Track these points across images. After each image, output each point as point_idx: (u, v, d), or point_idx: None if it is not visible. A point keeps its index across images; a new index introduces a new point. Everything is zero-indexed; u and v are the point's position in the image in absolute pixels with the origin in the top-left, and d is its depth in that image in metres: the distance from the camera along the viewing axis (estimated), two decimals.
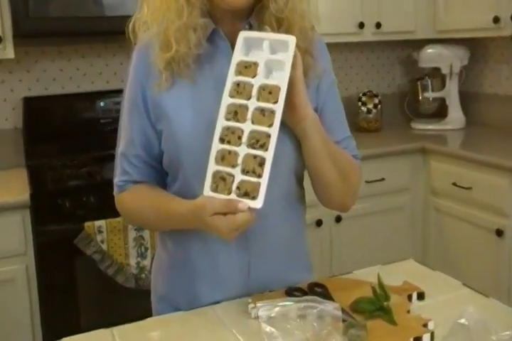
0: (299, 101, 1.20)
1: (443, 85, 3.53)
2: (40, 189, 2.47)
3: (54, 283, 2.45)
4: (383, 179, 3.09)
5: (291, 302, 1.03)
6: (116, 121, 1.40)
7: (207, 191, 1.15)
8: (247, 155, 1.13)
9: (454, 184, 2.95)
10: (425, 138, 3.28)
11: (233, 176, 1.13)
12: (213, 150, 1.16)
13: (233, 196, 1.12)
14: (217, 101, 1.18)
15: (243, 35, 1.19)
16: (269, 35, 1.18)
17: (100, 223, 2.43)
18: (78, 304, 2.48)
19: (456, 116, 3.52)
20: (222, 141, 1.15)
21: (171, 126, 1.27)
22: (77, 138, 2.92)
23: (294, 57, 1.16)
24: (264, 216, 1.27)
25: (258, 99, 1.15)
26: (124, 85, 1.36)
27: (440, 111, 3.58)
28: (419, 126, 3.57)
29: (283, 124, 1.15)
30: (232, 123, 1.16)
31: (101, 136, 2.91)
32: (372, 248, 3.13)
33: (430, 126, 3.53)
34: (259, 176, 1.12)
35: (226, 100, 1.17)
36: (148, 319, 1.29)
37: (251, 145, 1.13)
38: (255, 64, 1.17)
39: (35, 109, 2.88)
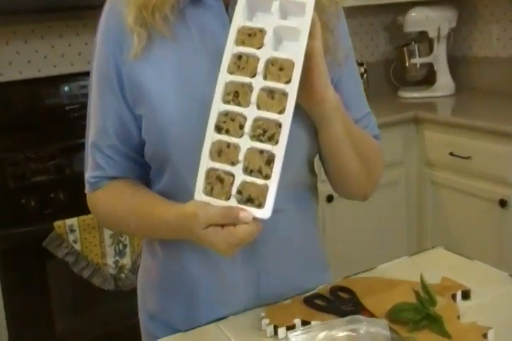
0: (317, 80, 0.96)
1: (430, 50, 3.37)
2: (0, 186, 2.25)
3: (22, 293, 2.25)
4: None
5: (328, 329, 0.80)
6: (84, 107, 1.15)
7: (199, 195, 0.91)
8: (250, 150, 0.89)
9: (451, 154, 2.80)
10: (415, 106, 3.12)
11: (233, 176, 0.90)
12: (207, 142, 0.91)
13: (233, 202, 0.89)
14: (211, 75, 0.94)
15: None
16: None
17: (72, 221, 2.22)
18: (52, 312, 2.29)
19: (445, 82, 3.36)
20: (218, 130, 0.91)
21: (153, 108, 1.03)
22: (41, 128, 2.69)
23: (312, 24, 0.91)
24: (274, 213, 1.04)
25: (265, 77, 0.90)
26: (91, 63, 1.11)
27: (428, 78, 3.42)
28: (406, 94, 3.40)
29: (295, 106, 0.91)
30: (231, 108, 0.91)
31: (67, 124, 2.71)
32: (367, 227, 2.97)
33: (418, 94, 3.37)
34: (267, 177, 0.88)
35: (224, 77, 0.92)
36: None
37: (256, 137, 0.89)
38: (261, 31, 0.92)
39: None
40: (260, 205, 0.88)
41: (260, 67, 0.90)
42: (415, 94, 3.36)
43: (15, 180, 2.30)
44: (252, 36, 0.92)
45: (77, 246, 2.23)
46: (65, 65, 2.88)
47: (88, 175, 1.12)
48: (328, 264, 1.26)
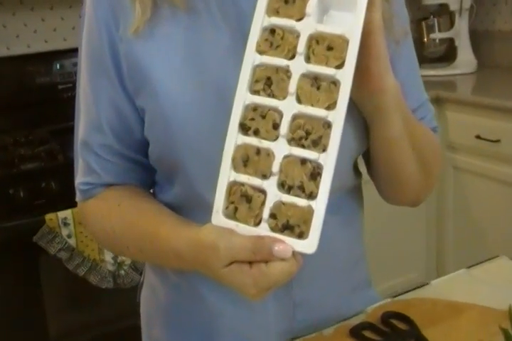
0: (375, 63, 0.74)
1: (451, 24, 3.18)
2: None
3: (12, 291, 2.06)
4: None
5: None
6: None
7: (218, 217, 0.69)
8: (289, 159, 0.67)
9: (478, 137, 2.60)
10: (434, 85, 2.92)
11: (264, 194, 0.68)
12: (229, 146, 0.69)
13: (264, 229, 0.67)
14: (233, 57, 0.74)
15: None
16: None
17: (65, 214, 2.00)
18: (45, 312, 2.10)
19: (466, 58, 3.17)
20: (244, 129, 0.69)
21: (158, 98, 0.80)
22: (31, 109, 2.54)
23: None
24: None
25: (308, 59, 0.68)
26: (78, 40, 0.88)
27: (448, 54, 3.24)
28: (425, 71, 3.19)
29: None
30: (262, 100, 0.68)
31: (60, 104, 2.53)
32: (382, 216, 2.77)
33: (438, 72, 3.16)
34: (312, 196, 0.66)
35: (251, 58, 0.69)
36: None
37: (296, 141, 0.67)
38: None
39: None
40: (302, 235, 0.66)
41: (301, 45, 0.68)
42: (434, 72, 3.16)
43: (2, 167, 2.10)
44: (289, 3, 0.69)
45: (72, 241, 2.03)
46: (57, 40, 2.71)
47: (78, 180, 0.91)
48: (370, 278, 1.05)
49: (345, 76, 0.66)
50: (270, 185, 0.67)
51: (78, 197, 0.92)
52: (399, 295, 0.99)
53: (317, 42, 0.68)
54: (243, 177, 0.68)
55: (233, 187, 0.69)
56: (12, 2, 2.59)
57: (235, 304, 0.88)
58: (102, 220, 0.88)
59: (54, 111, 2.48)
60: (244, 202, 0.68)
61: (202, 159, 0.78)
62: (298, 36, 0.68)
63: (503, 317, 0.84)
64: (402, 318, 0.88)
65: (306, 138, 0.67)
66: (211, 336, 0.91)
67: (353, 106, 0.80)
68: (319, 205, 0.66)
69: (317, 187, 0.66)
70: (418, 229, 2.85)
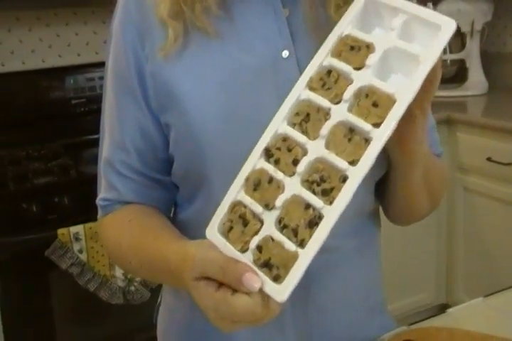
0: (412, 133, 0.76)
1: (462, 46, 3.17)
2: None
3: (22, 306, 2.05)
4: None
5: None
6: (91, 101, 0.98)
7: (212, 231, 0.69)
8: (295, 198, 0.66)
9: (489, 159, 2.60)
10: (445, 106, 2.92)
11: (261, 223, 0.67)
12: (247, 166, 0.70)
13: (247, 258, 0.65)
14: (258, 82, 0.77)
15: None
16: (411, 8, 0.69)
17: (77, 229, 2.01)
18: (54, 328, 2.10)
19: (477, 80, 3.17)
20: (268, 155, 0.69)
21: (187, 116, 0.81)
22: (44, 123, 2.53)
23: (438, 59, 0.69)
24: (330, 251, 0.84)
25: (351, 109, 0.68)
26: (104, 57, 0.90)
27: (459, 76, 3.23)
28: (436, 92, 3.17)
29: None
30: (294, 133, 0.69)
31: (73, 119, 2.57)
32: (391, 234, 2.75)
33: (448, 93, 3.15)
34: (302, 244, 0.64)
35: (299, 90, 0.70)
36: None
37: (309, 184, 0.66)
38: (369, 47, 0.69)
39: None
40: (278, 278, 0.63)
41: (349, 93, 0.68)
42: (445, 93, 3.14)
43: (15, 181, 2.12)
44: (354, 50, 0.70)
45: (83, 256, 2.04)
46: (72, 55, 2.74)
47: (100, 196, 0.92)
48: (386, 302, 1.05)
49: (380, 136, 0.65)
50: (269, 217, 0.66)
51: (99, 214, 0.93)
52: (415, 323, 0.99)
53: (366, 95, 0.68)
54: (248, 200, 0.68)
55: (236, 206, 0.68)
56: (28, 18, 2.62)
57: (253, 327, 0.88)
58: (114, 235, 0.90)
59: (67, 126, 2.51)
60: (240, 224, 0.67)
61: (228, 175, 0.79)
62: (350, 84, 0.68)
63: None
64: None
65: (319, 185, 0.66)
66: None
67: None
68: (304, 256, 0.63)
69: (310, 236, 0.63)
70: (428, 250, 2.84)
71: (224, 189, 0.80)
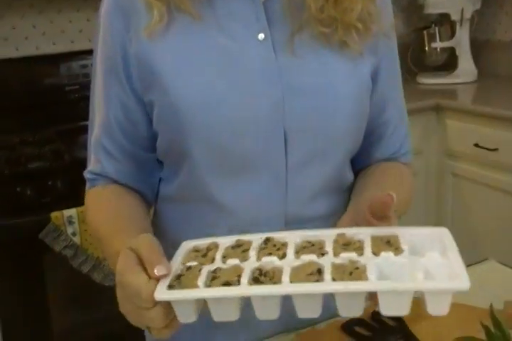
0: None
1: (452, 34, 3.19)
2: None
3: (17, 288, 2.09)
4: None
5: None
6: (84, 88, 1.02)
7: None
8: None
9: (476, 145, 2.63)
10: (435, 93, 2.96)
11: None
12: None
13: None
14: (240, 59, 0.83)
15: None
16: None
17: (70, 212, 2.04)
18: (48, 309, 2.13)
19: (467, 67, 3.19)
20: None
21: (169, 93, 0.86)
22: (38, 109, 2.55)
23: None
24: (308, 220, 0.92)
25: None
26: (93, 44, 0.95)
27: (449, 63, 3.25)
28: (425, 80, 3.24)
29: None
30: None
31: (66, 106, 2.57)
32: None
33: (438, 80, 3.19)
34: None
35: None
36: None
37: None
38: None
39: None
40: (171, 288, 0.68)
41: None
42: (435, 81, 3.19)
43: (9, 165, 2.14)
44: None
45: (76, 239, 2.06)
46: (65, 42, 2.73)
47: (87, 169, 0.98)
48: None
49: None
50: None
51: (87, 186, 0.98)
52: None
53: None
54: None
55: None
56: (21, 5, 2.61)
57: None
58: (93, 208, 0.95)
59: (61, 112, 2.52)
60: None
61: (208, 148, 0.84)
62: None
63: (487, 315, 0.88)
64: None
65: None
66: (208, 323, 0.95)
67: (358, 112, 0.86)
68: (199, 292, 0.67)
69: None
70: None
71: (204, 162, 0.85)
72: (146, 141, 0.93)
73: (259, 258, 0.70)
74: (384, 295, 0.63)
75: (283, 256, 0.69)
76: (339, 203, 0.97)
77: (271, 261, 0.69)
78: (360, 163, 1.02)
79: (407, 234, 0.71)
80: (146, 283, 0.67)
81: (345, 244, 0.71)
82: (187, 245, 0.76)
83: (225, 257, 0.71)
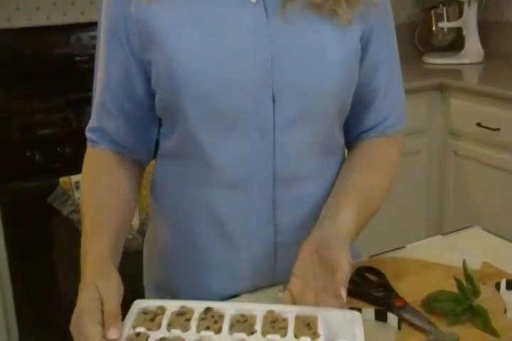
0: None
1: (459, 14, 3.18)
2: (5, 138, 2.13)
3: (26, 249, 2.15)
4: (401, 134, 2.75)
5: None
6: (93, 58, 1.06)
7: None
8: None
9: (479, 124, 2.65)
10: (440, 73, 2.96)
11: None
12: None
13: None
14: (238, 22, 0.88)
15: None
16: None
17: (78, 177, 2.09)
18: (56, 270, 2.19)
19: (473, 48, 3.18)
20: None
21: (165, 51, 0.91)
22: (49, 78, 2.57)
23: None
24: (296, 179, 0.96)
25: None
26: (99, 6, 1.00)
27: (456, 44, 3.24)
28: (432, 60, 3.24)
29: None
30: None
31: (76, 76, 2.55)
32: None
33: (445, 60, 3.19)
34: None
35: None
36: None
37: None
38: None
39: None
40: None
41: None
42: (441, 60, 3.19)
43: (20, 131, 2.19)
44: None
45: None
46: (75, 13, 2.74)
47: (88, 126, 1.04)
48: None
49: None
50: None
51: (88, 143, 1.05)
52: (375, 255, 1.08)
53: None
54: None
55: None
56: None
57: (223, 243, 0.99)
58: (86, 180, 1.03)
59: (70, 82, 2.54)
60: None
61: (199, 104, 0.89)
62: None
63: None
64: (375, 272, 0.98)
65: None
66: (201, 274, 1.03)
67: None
68: None
69: None
70: (419, 214, 2.91)
71: (196, 119, 0.91)
72: (145, 100, 0.99)
73: (198, 330, 0.80)
74: None
75: (219, 330, 0.79)
76: (328, 165, 1.02)
77: (208, 335, 0.79)
78: (352, 130, 1.07)
79: (325, 317, 0.81)
80: (98, 339, 0.75)
81: (272, 321, 0.81)
82: (138, 305, 0.85)
83: (169, 325, 0.81)
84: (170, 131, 0.99)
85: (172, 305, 0.84)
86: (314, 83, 0.92)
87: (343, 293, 0.80)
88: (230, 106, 0.91)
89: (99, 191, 0.99)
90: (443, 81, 2.82)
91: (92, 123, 1.04)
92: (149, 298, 1.14)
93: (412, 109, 2.75)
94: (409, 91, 2.68)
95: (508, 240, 1.12)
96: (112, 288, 0.83)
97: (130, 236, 2.19)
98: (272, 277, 1.00)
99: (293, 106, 0.93)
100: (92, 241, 0.93)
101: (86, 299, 0.80)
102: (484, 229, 1.17)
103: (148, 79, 0.96)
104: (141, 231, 2.18)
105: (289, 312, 0.82)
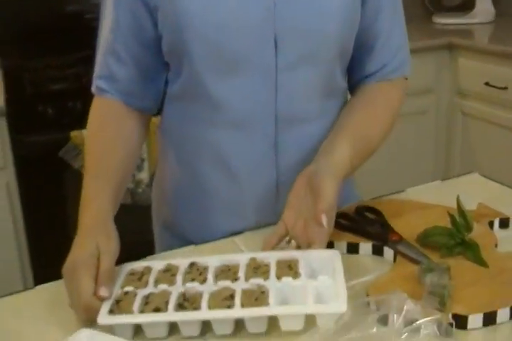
0: None
1: None
2: (17, 93, 2.15)
3: (39, 201, 2.20)
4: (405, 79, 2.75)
5: None
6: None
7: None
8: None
9: (487, 84, 2.65)
10: (450, 33, 2.95)
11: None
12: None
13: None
14: None
15: None
16: None
17: None
18: (67, 221, 2.22)
19: (484, 7, 3.14)
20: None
21: None
22: (60, 36, 2.57)
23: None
24: (298, 121, 1.00)
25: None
26: None
27: (466, 3, 3.21)
28: (442, 20, 3.21)
29: None
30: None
31: (86, 33, 2.46)
32: (392, 156, 2.85)
33: (455, 20, 3.16)
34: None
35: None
36: (151, 257, 1.00)
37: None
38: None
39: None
40: (111, 312, 0.81)
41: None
42: (451, 21, 3.15)
43: (32, 87, 2.22)
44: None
45: None
46: None
47: (95, 74, 1.07)
48: (353, 182, 1.19)
49: None
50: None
51: (94, 91, 1.08)
52: (376, 198, 1.12)
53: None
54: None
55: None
56: None
57: (227, 183, 1.04)
58: (92, 128, 1.07)
59: (81, 39, 2.43)
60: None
61: (204, 46, 0.93)
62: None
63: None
64: (374, 211, 1.01)
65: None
66: (207, 213, 1.07)
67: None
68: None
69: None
70: (426, 173, 2.92)
71: (201, 61, 0.94)
72: (154, 45, 1.01)
73: (184, 283, 0.83)
74: (282, 316, 0.78)
75: (204, 281, 0.83)
76: (329, 108, 1.05)
77: (193, 286, 0.83)
78: (354, 76, 1.10)
79: (306, 258, 0.85)
80: (90, 294, 0.81)
81: (255, 268, 0.85)
82: (125, 268, 0.90)
83: (156, 281, 0.84)
84: (176, 76, 1.02)
85: (158, 264, 0.88)
86: (316, 26, 0.94)
87: (324, 220, 0.85)
88: (234, 49, 0.94)
89: (105, 139, 1.02)
90: (452, 40, 2.80)
91: (101, 70, 1.05)
92: (158, 239, 1.19)
93: (420, 69, 2.78)
94: (417, 51, 2.72)
95: (505, 185, 1.15)
96: (111, 247, 0.87)
97: (140, 190, 2.24)
98: (275, 215, 1.03)
99: (295, 49, 0.95)
100: (94, 189, 0.96)
101: (85, 252, 0.85)
102: (483, 175, 1.20)
103: (156, 24, 0.99)
104: (151, 185, 2.22)
105: (271, 257, 0.86)
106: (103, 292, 0.81)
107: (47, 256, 2.20)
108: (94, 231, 0.89)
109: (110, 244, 0.87)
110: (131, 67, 1.03)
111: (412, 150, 2.92)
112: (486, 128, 2.75)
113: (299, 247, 0.90)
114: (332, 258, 0.84)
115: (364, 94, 1.07)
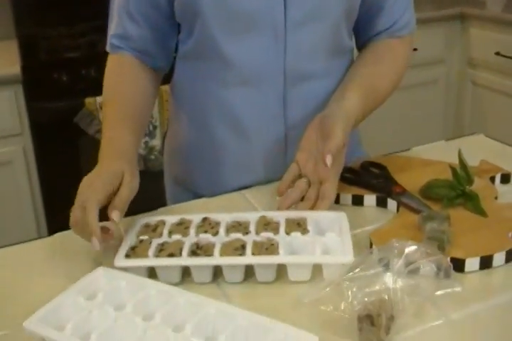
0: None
1: None
2: (32, 61, 2.20)
3: (55, 166, 2.25)
4: (415, 49, 2.73)
5: None
6: None
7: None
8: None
9: (498, 53, 2.66)
10: (461, 2, 2.94)
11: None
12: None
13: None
14: None
15: None
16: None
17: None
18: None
19: None
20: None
21: None
22: (72, 6, 2.59)
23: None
24: (306, 78, 1.03)
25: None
26: None
27: None
28: None
29: None
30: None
31: (101, 2, 2.53)
32: (402, 124, 2.88)
33: None
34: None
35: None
36: (163, 208, 1.04)
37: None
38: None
39: None
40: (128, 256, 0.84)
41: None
42: None
43: (47, 54, 2.26)
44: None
45: None
46: None
47: (110, 34, 1.09)
48: (360, 140, 1.22)
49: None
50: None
51: (108, 49, 1.10)
52: (384, 155, 1.15)
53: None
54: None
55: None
56: None
57: (237, 138, 1.08)
58: (110, 79, 1.09)
59: (94, 9, 2.44)
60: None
61: (216, 6, 0.95)
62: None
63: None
64: (379, 166, 1.05)
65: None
66: (217, 167, 1.11)
67: None
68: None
69: None
70: (435, 140, 2.94)
71: (213, 20, 0.97)
72: (167, 7, 1.04)
73: (197, 235, 0.86)
74: (290, 266, 0.81)
75: (216, 234, 0.86)
76: (336, 65, 1.08)
77: (206, 237, 0.85)
78: (364, 35, 1.13)
79: (313, 218, 0.88)
80: (95, 213, 0.83)
81: (265, 224, 0.88)
82: (140, 221, 0.92)
83: (170, 232, 0.87)
84: (188, 35, 1.05)
85: (171, 218, 0.92)
86: None
87: (328, 160, 0.88)
88: (244, 8, 0.97)
89: (123, 88, 1.06)
90: (464, 10, 2.81)
91: (116, 29, 1.08)
92: (170, 195, 1.23)
93: (430, 39, 2.78)
94: (428, 21, 2.70)
95: (509, 145, 1.18)
96: (134, 183, 0.90)
97: (153, 157, 2.28)
98: (283, 169, 1.07)
99: (303, 7, 0.98)
100: (116, 130, 0.99)
101: (109, 176, 0.88)
102: (487, 136, 1.23)
103: None
104: (163, 152, 2.25)
105: (280, 216, 0.89)
106: (115, 216, 0.84)
107: (62, 217, 2.25)
108: (121, 162, 0.91)
109: (133, 180, 0.89)
110: (144, 28, 1.06)
111: (422, 119, 2.94)
112: (495, 97, 2.76)
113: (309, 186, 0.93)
114: (339, 219, 0.88)
115: (374, 50, 1.11)
